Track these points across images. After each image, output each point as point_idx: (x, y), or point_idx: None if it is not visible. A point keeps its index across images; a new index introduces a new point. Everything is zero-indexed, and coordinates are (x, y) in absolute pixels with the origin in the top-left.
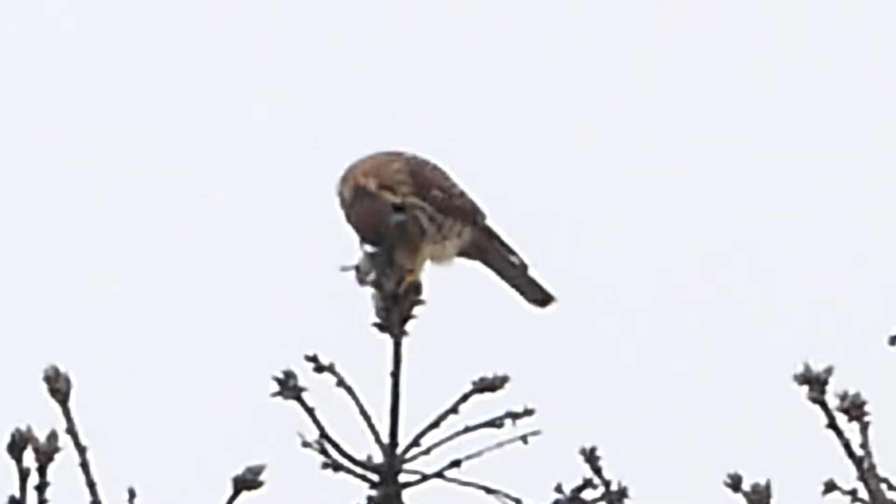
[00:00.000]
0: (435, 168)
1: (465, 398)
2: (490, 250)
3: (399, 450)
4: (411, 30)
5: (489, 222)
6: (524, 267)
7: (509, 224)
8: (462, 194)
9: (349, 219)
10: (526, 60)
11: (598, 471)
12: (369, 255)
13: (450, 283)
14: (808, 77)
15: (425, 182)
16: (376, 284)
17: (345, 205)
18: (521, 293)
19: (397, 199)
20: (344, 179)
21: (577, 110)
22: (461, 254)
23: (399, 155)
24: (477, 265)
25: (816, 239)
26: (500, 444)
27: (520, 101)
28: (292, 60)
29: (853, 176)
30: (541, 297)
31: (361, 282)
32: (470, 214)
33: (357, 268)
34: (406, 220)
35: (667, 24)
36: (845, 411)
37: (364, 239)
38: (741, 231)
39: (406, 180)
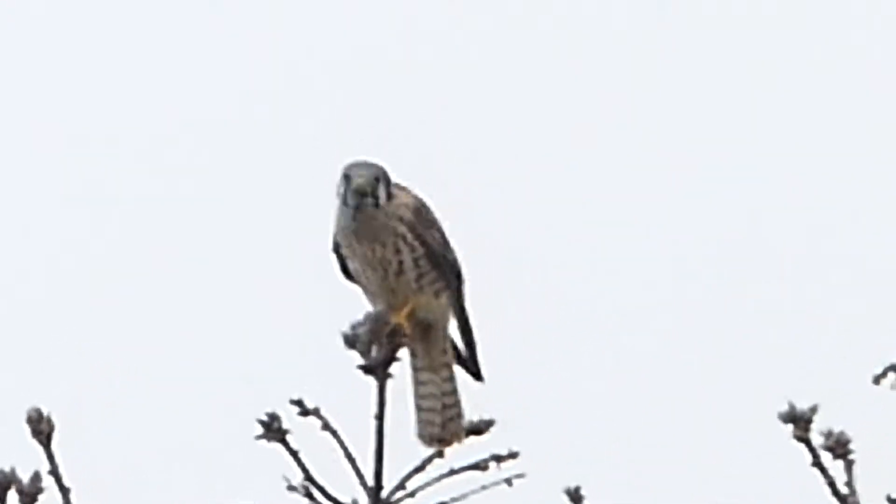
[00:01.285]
0: (437, 217)
1: None
2: (437, 341)
3: (384, 493)
4: (411, 28)
5: (464, 291)
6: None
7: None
8: (453, 252)
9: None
10: (526, 60)
11: None
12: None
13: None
14: (819, 73)
15: (426, 221)
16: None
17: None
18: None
19: (386, 191)
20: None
21: (581, 109)
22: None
23: (408, 190)
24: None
25: (798, 273)
26: (484, 487)
27: (522, 102)
28: (295, 58)
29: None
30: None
31: (349, 341)
32: (454, 276)
33: (354, 333)
34: (381, 216)
35: (670, 18)
36: (830, 449)
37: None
38: (726, 265)
39: (409, 205)
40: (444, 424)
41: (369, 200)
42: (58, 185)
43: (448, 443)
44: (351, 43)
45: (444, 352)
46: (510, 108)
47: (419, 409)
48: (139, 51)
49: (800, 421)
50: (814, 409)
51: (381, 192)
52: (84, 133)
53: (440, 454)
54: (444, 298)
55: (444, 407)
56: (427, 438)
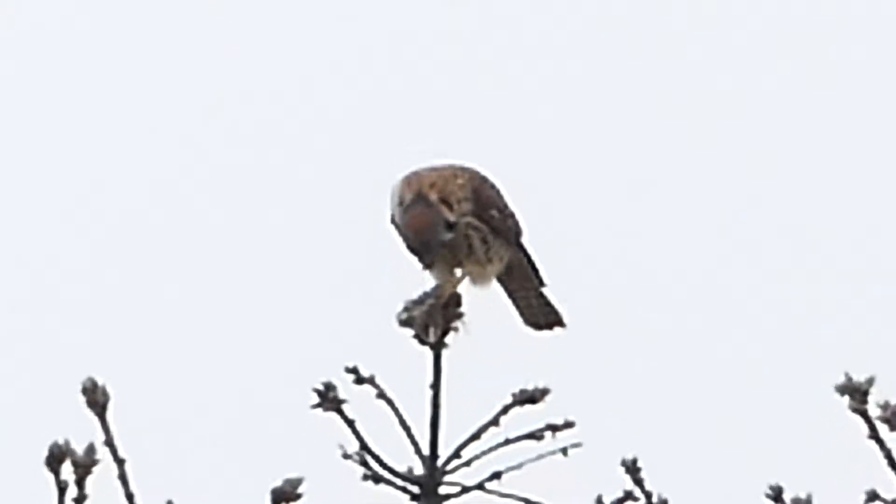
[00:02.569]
0: (494, 187)
1: (505, 410)
2: (516, 271)
3: (440, 462)
4: (425, 32)
5: (524, 240)
6: (540, 285)
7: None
8: (513, 215)
9: (398, 219)
10: (531, 62)
11: (639, 482)
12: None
13: (491, 295)
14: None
15: (486, 202)
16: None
17: (400, 205)
18: (525, 315)
19: (452, 217)
20: (407, 182)
21: (587, 113)
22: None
23: (464, 170)
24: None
25: (854, 247)
26: (540, 457)
27: (526, 104)
28: (316, 67)
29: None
30: (548, 322)
31: (406, 322)
32: (514, 236)
33: (408, 311)
34: (454, 238)
35: (673, 20)
36: (887, 421)
37: (406, 243)
38: (781, 239)
39: (468, 197)
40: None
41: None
42: (87, 198)
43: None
44: (367, 44)
45: (526, 276)
46: (516, 110)
47: (519, 307)
48: (148, 57)
49: (856, 393)
50: (870, 381)
51: (444, 237)
52: (111, 149)
53: (505, 410)
54: (508, 256)
55: (545, 303)
56: (536, 325)
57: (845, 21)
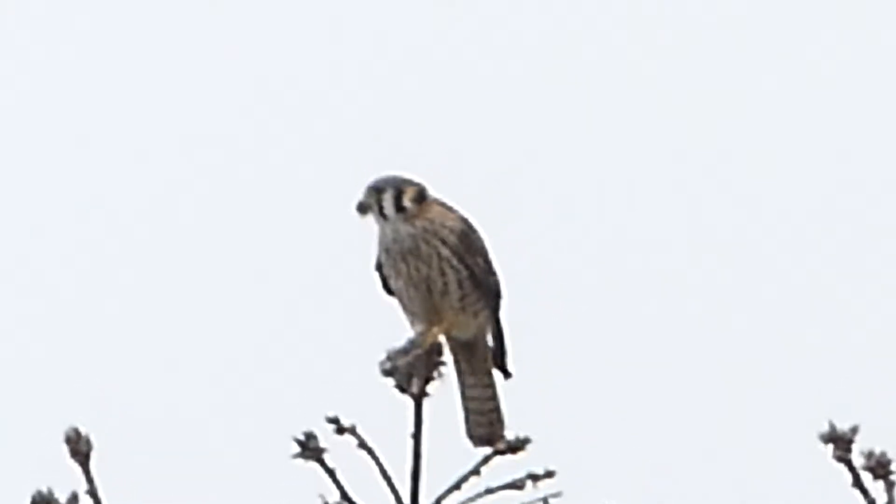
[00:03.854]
0: (482, 241)
1: (486, 460)
2: (479, 348)
3: None
4: (416, 34)
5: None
6: (504, 376)
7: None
8: (496, 276)
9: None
10: (524, 62)
11: None
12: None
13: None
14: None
15: (472, 247)
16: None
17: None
18: (468, 419)
19: (406, 199)
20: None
21: (583, 111)
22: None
23: (456, 212)
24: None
25: (838, 294)
26: None
27: (521, 104)
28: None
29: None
30: (485, 433)
31: (388, 372)
32: (494, 298)
33: (391, 360)
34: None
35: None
36: (871, 470)
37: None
38: (763, 286)
39: (452, 238)
40: (491, 423)
41: (373, 214)
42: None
43: (494, 443)
44: (359, 49)
45: (485, 359)
46: (512, 110)
47: (467, 410)
48: (154, 64)
49: (840, 441)
50: (854, 430)
51: (387, 203)
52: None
53: (486, 460)
54: (482, 318)
55: (490, 409)
56: (477, 439)
57: (845, 21)
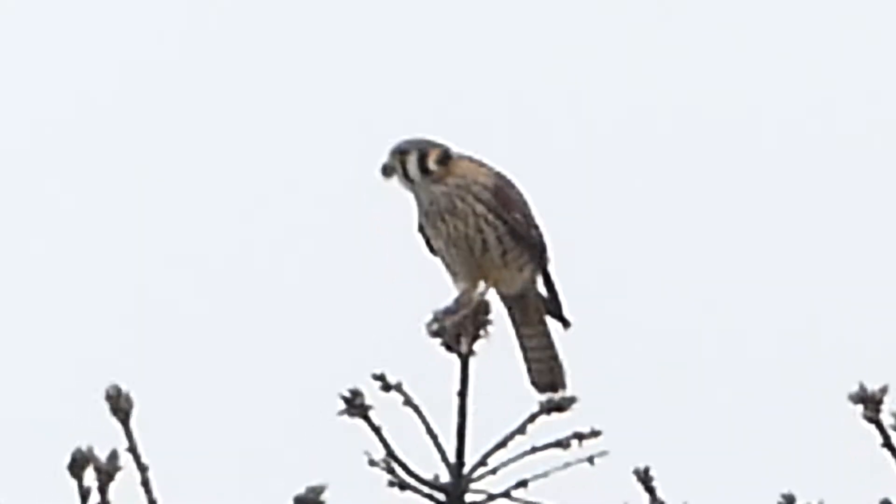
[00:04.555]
0: (521, 194)
1: (532, 418)
2: (532, 300)
3: (466, 469)
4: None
5: (551, 270)
6: (564, 326)
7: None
8: (538, 229)
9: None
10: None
11: (651, 491)
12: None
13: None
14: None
15: (507, 202)
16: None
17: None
18: (529, 367)
19: (431, 161)
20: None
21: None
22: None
23: (489, 168)
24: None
25: (869, 255)
26: (566, 465)
27: (520, 108)
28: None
29: None
30: (547, 381)
31: (436, 333)
32: (538, 251)
33: (438, 321)
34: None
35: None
36: None
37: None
38: (793, 247)
39: (486, 194)
40: (552, 370)
41: (398, 177)
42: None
43: (557, 389)
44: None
45: (538, 310)
46: (514, 114)
47: (528, 360)
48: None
49: (870, 401)
50: (884, 390)
51: (412, 166)
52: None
53: (533, 418)
54: (528, 272)
55: (550, 357)
56: (540, 385)
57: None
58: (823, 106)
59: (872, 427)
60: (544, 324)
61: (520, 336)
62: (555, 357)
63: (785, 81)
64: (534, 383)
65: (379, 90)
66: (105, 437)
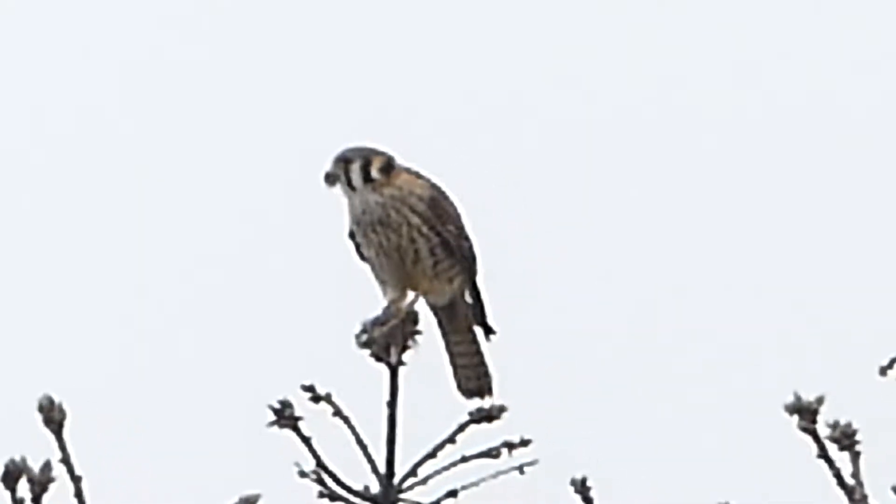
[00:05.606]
0: (454, 207)
1: (462, 428)
2: (459, 308)
3: (396, 479)
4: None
5: (478, 280)
6: (486, 333)
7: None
8: (469, 241)
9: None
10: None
11: (588, 501)
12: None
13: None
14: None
15: (443, 214)
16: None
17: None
18: (457, 373)
19: (374, 169)
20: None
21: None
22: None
23: (425, 178)
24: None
25: (805, 267)
26: (496, 474)
27: (515, 110)
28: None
29: (851, 196)
30: (475, 387)
31: (366, 344)
32: (469, 263)
33: (367, 332)
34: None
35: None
36: (836, 441)
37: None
38: (732, 259)
39: (421, 206)
40: (479, 377)
41: (341, 185)
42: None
43: (484, 396)
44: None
45: (466, 318)
46: (505, 117)
47: (455, 366)
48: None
49: (806, 412)
50: (820, 401)
51: (355, 174)
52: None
53: (462, 428)
54: (458, 283)
55: (477, 364)
56: (467, 392)
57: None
58: (823, 106)
59: (808, 437)
60: (472, 332)
61: (448, 343)
62: (482, 364)
63: (785, 81)
64: (461, 389)
65: (379, 90)
66: (38, 447)
